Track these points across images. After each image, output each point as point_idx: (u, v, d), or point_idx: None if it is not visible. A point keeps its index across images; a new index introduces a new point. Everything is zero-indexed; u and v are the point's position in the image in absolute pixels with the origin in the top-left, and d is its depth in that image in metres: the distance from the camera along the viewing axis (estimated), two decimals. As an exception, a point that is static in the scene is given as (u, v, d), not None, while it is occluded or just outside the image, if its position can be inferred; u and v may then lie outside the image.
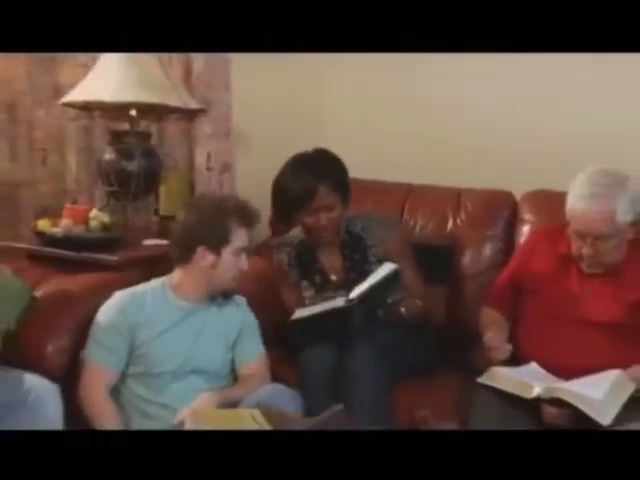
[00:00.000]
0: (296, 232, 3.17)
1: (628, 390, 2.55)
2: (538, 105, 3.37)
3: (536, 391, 2.56)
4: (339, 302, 2.83)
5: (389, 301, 2.98)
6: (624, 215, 2.63)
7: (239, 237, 2.76)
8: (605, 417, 2.46)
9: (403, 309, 2.98)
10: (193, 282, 2.81)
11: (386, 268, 2.87)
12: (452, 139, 3.46)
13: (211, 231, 2.75)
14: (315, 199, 3.00)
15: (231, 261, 2.77)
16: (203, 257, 2.75)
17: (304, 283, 3.18)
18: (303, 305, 3.08)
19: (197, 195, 3.76)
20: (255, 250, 3.40)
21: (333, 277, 3.15)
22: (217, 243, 2.74)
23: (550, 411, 2.57)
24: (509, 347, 2.73)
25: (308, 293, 3.17)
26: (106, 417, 2.71)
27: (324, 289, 3.13)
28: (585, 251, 2.68)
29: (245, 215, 2.80)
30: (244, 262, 2.79)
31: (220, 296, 2.85)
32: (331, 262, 3.16)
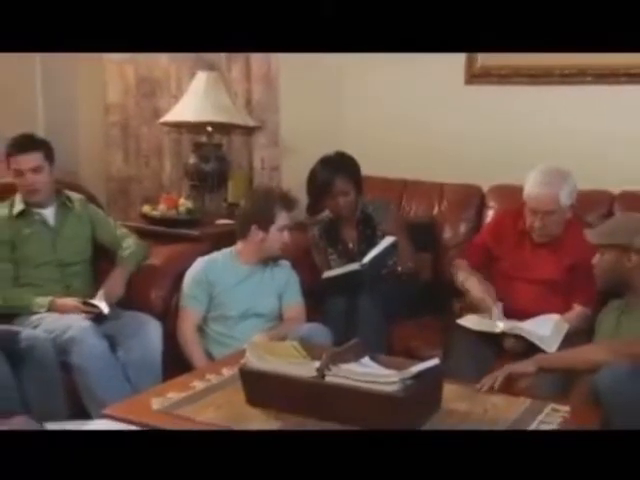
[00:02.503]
0: (325, 213, 3.16)
1: (564, 330, 2.57)
2: (502, 122, 3.35)
3: (501, 327, 2.58)
4: (355, 266, 2.84)
5: (390, 263, 3.00)
6: (565, 199, 2.64)
7: (282, 218, 2.75)
8: (551, 348, 2.48)
9: (399, 268, 3.01)
10: (250, 252, 2.81)
11: (387, 240, 2.88)
12: (438, 147, 3.43)
13: (260, 214, 2.74)
14: (333, 187, 3.01)
15: (276, 236, 2.76)
16: (256, 233, 2.75)
17: (330, 250, 3.15)
18: (329, 265, 3.09)
19: (253, 188, 3.73)
20: (295, 227, 3.44)
21: (351, 246, 3.13)
22: (265, 223, 2.73)
23: (510, 342, 2.59)
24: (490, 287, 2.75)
25: (332, 257, 3.13)
26: (194, 347, 2.74)
27: (344, 254, 3.11)
28: (536, 224, 2.67)
29: (286, 201, 2.79)
30: (287, 236, 2.79)
31: (270, 261, 2.85)
32: (350, 235, 3.14)
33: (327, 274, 2.94)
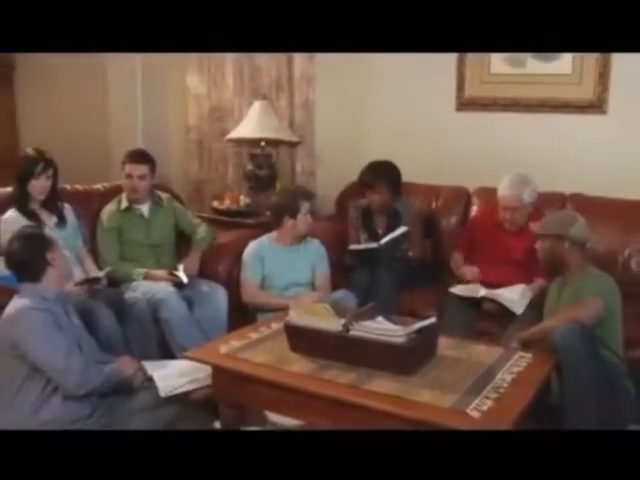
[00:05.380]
0: (364, 200, 3.06)
1: (529, 296, 2.55)
2: (483, 140, 3.30)
3: (482, 292, 2.58)
4: (374, 245, 2.83)
5: (402, 247, 2.96)
6: (527, 198, 2.64)
7: (304, 206, 2.72)
8: (518, 310, 2.47)
9: (410, 253, 2.97)
10: (285, 236, 2.77)
11: (402, 229, 2.87)
12: (435, 158, 3.38)
13: (289, 207, 2.71)
14: (373, 188, 2.96)
15: (303, 220, 2.72)
16: (288, 222, 2.72)
17: (362, 231, 3.04)
18: (359, 242, 3.01)
19: (278, 188, 3.59)
20: (326, 218, 3.42)
21: (379, 231, 3.01)
22: (293, 212, 2.71)
23: (488, 305, 2.58)
24: (476, 269, 2.72)
25: (363, 237, 3.03)
26: (261, 296, 2.72)
27: (372, 237, 3.00)
28: (507, 217, 2.68)
29: (306, 193, 2.80)
30: (309, 219, 2.74)
31: (302, 239, 2.80)
32: (380, 222, 3.04)
33: (352, 247, 2.91)
